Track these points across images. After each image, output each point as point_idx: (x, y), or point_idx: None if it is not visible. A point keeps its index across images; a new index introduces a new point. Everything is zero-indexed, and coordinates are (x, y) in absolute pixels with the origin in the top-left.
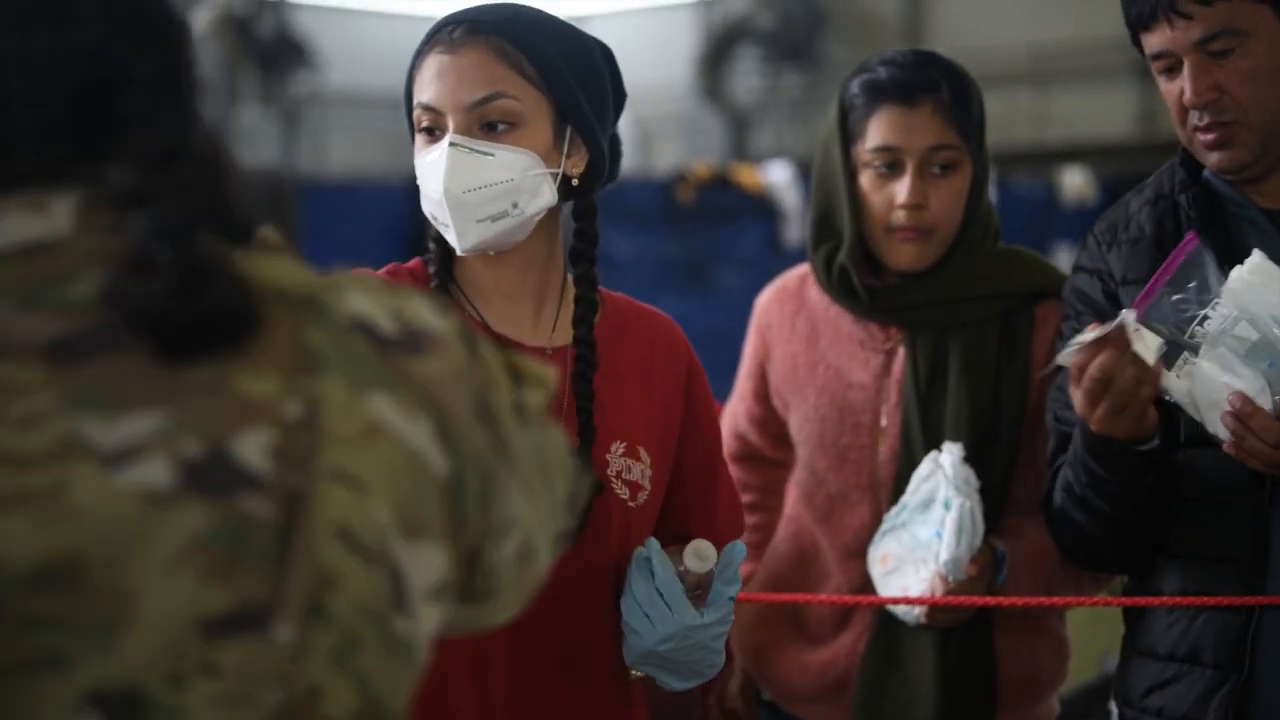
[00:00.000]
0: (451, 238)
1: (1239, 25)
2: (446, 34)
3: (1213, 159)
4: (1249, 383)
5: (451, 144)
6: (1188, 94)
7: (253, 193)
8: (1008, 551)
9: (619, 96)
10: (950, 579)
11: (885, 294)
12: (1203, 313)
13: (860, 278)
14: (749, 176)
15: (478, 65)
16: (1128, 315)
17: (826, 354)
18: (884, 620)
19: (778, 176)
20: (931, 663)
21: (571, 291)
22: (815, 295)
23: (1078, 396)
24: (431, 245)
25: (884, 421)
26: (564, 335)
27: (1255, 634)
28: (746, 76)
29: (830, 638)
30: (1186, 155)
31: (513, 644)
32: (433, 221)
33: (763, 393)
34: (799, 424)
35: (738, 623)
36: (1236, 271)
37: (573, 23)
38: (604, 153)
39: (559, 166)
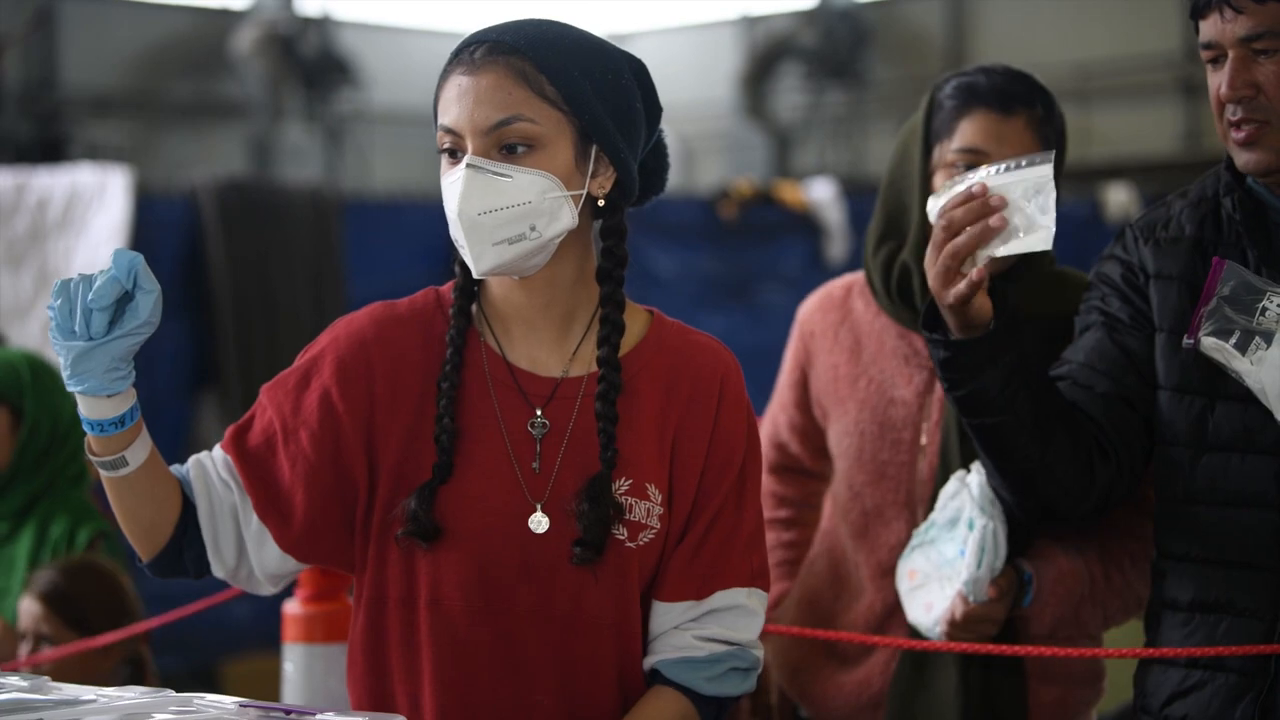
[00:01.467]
0: (469, 260)
1: None
2: (468, 54)
3: (1241, 158)
4: None
5: (468, 165)
6: (1224, 87)
7: (297, 210)
8: (1035, 575)
9: (653, 111)
10: (971, 599)
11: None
12: (1263, 302)
13: (920, 277)
14: (792, 194)
15: (496, 87)
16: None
17: (869, 368)
18: (906, 652)
19: (820, 194)
20: (955, 683)
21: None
22: (861, 307)
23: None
24: (456, 269)
25: (924, 439)
26: (584, 365)
27: None
28: (789, 94)
29: (864, 656)
30: (1232, 160)
31: (512, 685)
32: (456, 244)
33: (804, 402)
34: (838, 436)
35: (774, 643)
36: None
37: (608, 39)
38: (632, 171)
39: (582, 188)
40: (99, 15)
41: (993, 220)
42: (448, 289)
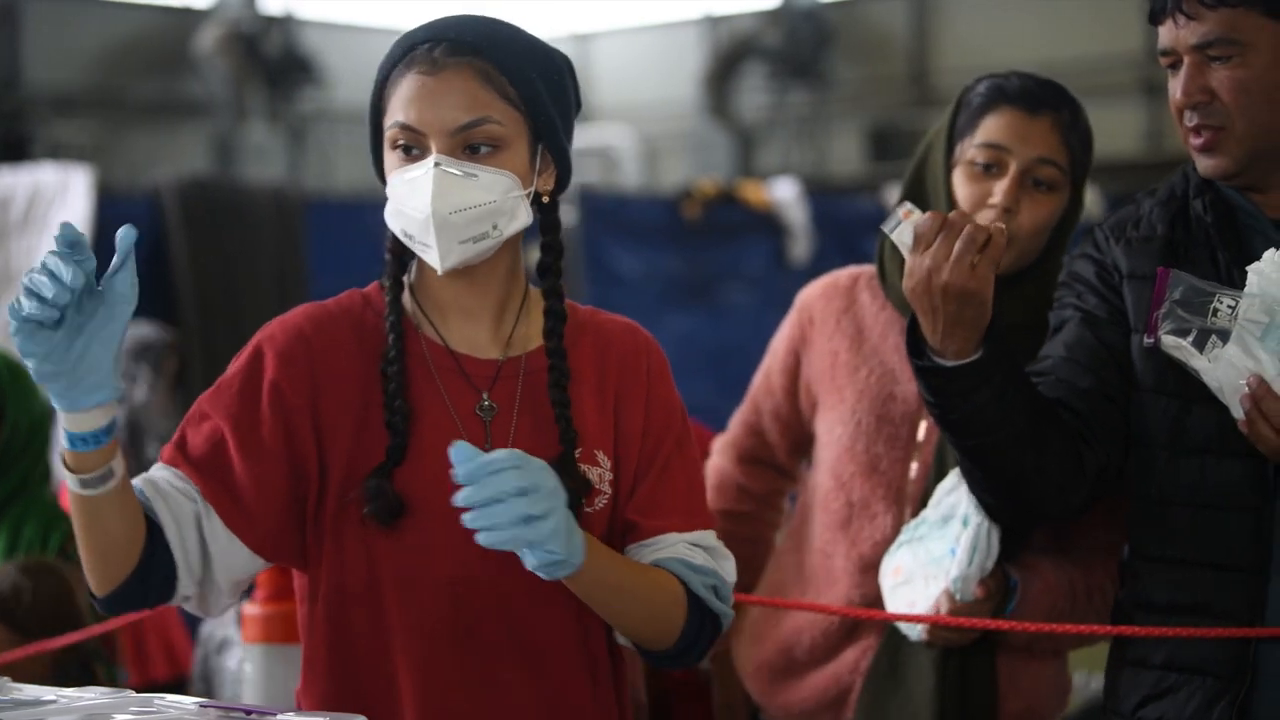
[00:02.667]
0: (431, 258)
1: (1240, 35)
2: (425, 52)
3: (1202, 164)
4: (1266, 366)
5: (437, 165)
6: (1178, 93)
7: (260, 209)
8: (1021, 583)
9: (578, 107)
10: (958, 598)
11: None
12: (1213, 304)
13: None
14: (755, 194)
15: (462, 89)
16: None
17: (870, 359)
18: (890, 637)
19: (784, 193)
20: (931, 685)
21: (532, 303)
22: (867, 299)
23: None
24: (388, 260)
25: (920, 436)
26: (521, 346)
27: (1256, 643)
28: (753, 94)
29: (832, 656)
30: None
31: (481, 665)
32: (405, 240)
33: (793, 388)
34: (829, 424)
35: (736, 641)
36: (1269, 253)
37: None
38: (570, 168)
39: (533, 185)
40: (62, 14)
41: (997, 238)
42: (372, 289)
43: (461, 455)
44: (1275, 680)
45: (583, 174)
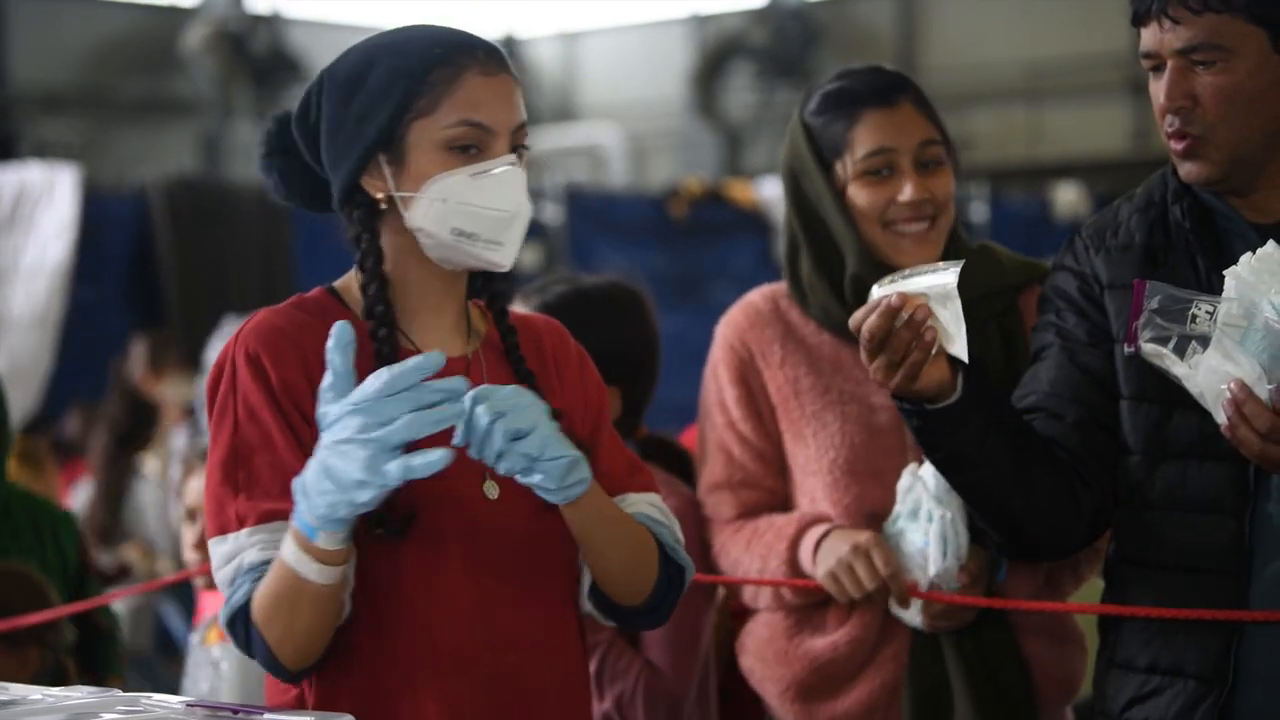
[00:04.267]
0: (496, 255)
1: (1225, 41)
2: (481, 56)
3: (1182, 169)
4: (1247, 370)
5: (513, 164)
6: (1161, 97)
7: (247, 208)
8: None
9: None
10: (944, 590)
11: None
12: (1191, 310)
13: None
14: (742, 192)
15: (514, 92)
16: (883, 291)
17: (834, 377)
18: (918, 639)
19: (771, 192)
20: (964, 680)
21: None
22: (797, 318)
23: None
24: (370, 265)
25: (910, 440)
26: (476, 338)
27: (1239, 645)
28: (740, 92)
29: (871, 659)
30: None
31: (492, 654)
32: (456, 240)
33: (761, 428)
34: (819, 451)
35: (746, 659)
36: (1245, 257)
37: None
38: None
39: None
40: (49, 12)
41: (926, 335)
42: (343, 284)
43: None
44: (1257, 682)
45: (570, 173)
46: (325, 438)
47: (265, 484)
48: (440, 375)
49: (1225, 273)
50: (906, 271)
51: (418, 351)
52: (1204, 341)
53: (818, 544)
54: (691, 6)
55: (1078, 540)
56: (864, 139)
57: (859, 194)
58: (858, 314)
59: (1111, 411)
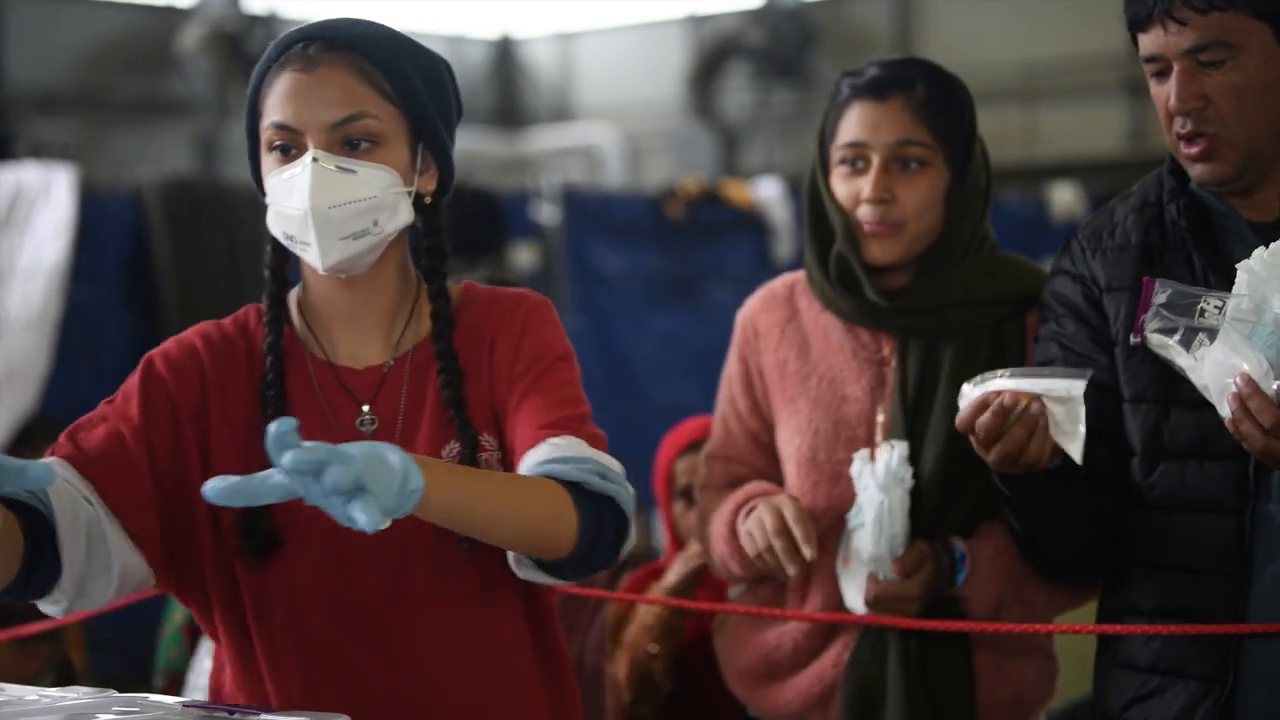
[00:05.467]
0: (312, 257)
1: (1232, 38)
2: (300, 51)
3: (1195, 170)
4: (1254, 365)
5: (315, 160)
6: (1172, 99)
7: (243, 209)
8: (969, 552)
9: (459, 112)
10: (880, 577)
11: (875, 303)
12: (1200, 305)
13: (858, 260)
14: (739, 193)
15: (338, 84)
16: (1000, 383)
17: (819, 365)
18: (863, 637)
19: (767, 192)
20: (901, 686)
21: (424, 302)
22: (805, 304)
23: (973, 441)
24: (268, 274)
25: (879, 436)
26: (410, 340)
27: (1239, 645)
28: (737, 93)
29: (815, 655)
30: (1175, 164)
31: (356, 660)
32: (287, 243)
33: (755, 409)
34: (788, 436)
35: (719, 641)
36: (1259, 251)
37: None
38: (452, 169)
39: (414, 185)
40: (45, 12)
41: (1040, 435)
42: (250, 311)
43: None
44: (1258, 682)
45: (567, 173)
46: None
47: (94, 445)
48: (348, 390)
49: (1237, 266)
50: (1019, 370)
51: (326, 362)
52: (1211, 335)
53: (752, 509)
54: (688, 7)
55: (1103, 558)
56: (844, 129)
57: (837, 182)
58: (965, 413)
59: (1121, 420)
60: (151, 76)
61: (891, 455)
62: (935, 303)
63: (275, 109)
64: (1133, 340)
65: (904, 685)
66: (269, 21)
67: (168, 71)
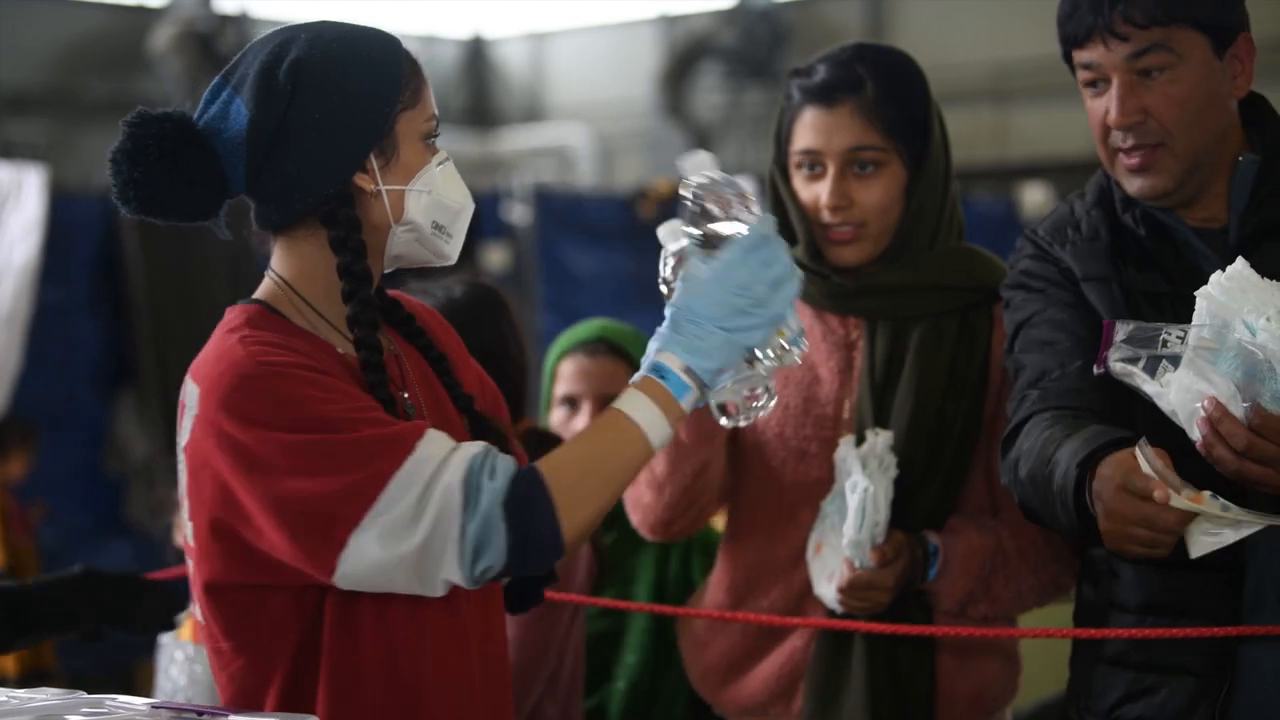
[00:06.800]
0: (450, 248)
1: (1174, 47)
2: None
3: (1133, 185)
4: (1221, 389)
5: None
6: (1113, 113)
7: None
8: (941, 547)
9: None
10: (856, 564)
11: (841, 284)
12: (1161, 336)
13: (817, 267)
14: None
15: None
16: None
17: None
18: (826, 637)
19: None
20: (864, 679)
21: None
22: None
23: (1126, 518)
24: (361, 268)
25: (845, 414)
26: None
27: (1238, 642)
28: (709, 93)
29: (776, 645)
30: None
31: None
32: (431, 231)
33: None
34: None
35: (684, 643)
36: (1216, 276)
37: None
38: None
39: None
40: (15, 12)
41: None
42: (270, 295)
43: None
44: (1256, 680)
45: (538, 173)
46: (700, 296)
47: (373, 409)
48: (392, 379)
49: (1197, 294)
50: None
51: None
52: (1175, 361)
53: None
54: (660, 7)
55: None
56: (799, 135)
57: (798, 186)
58: (1170, 513)
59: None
60: (122, 77)
61: (878, 442)
62: (901, 284)
63: (429, 100)
64: (1096, 370)
65: (867, 678)
66: (240, 21)
67: (139, 71)
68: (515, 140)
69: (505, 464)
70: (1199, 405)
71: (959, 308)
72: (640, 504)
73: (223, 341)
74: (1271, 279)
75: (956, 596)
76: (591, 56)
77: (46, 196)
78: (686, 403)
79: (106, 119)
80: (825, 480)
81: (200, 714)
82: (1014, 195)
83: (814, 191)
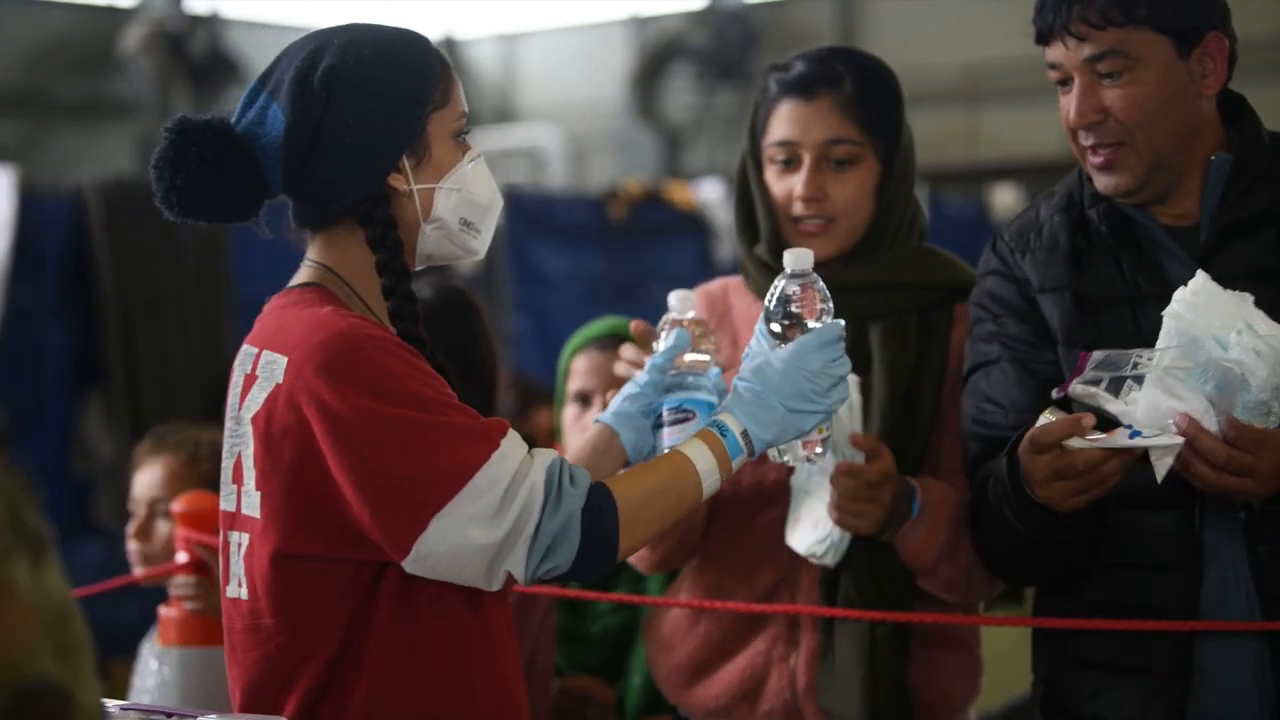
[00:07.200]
0: (478, 243)
1: (1130, 51)
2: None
3: (1101, 182)
4: (1193, 406)
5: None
6: (1072, 113)
7: None
8: (918, 487)
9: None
10: (850, 459)
11: None
12: (1131, 359)
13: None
14: (681, 194)
15: None
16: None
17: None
18: (827, 622)
19: (710, 194)
20: (858, 676)
21: None
22: (737, 301)
23: (1047, 474)
24: (401, 265)
25: None
26: None
27: (1193, 641)
28: (680, 94)
29: (741, 646)
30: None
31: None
32: (460, 228)
33: None
34: None
35: (649, 646)
36: (1179, 293)
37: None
38: None
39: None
40: None
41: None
42: (322, 279)
43: None
44: (1213, 678)
45: (509, 174)
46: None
47: (455, 398)
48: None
49: (1164, 314)
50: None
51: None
52: (1139, 380)
53: None
54: (631, 8)
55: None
56: (775, 127)
57: (771, 179)
58: (1092, 451)
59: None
60: (92, 77)
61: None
62: (866, 283)
63: (459, 99)
64: (1055, 395)
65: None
66: (210, 22)
67: (109, 72)
68: (486, 141)
69: (582, 473)
70: (1169, 423)
71: (919, 306)
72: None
73: (313, 315)
74: (1242, 276)
75: (938, 544)
76: (562, 57)
77: (16, 197)
78: (736, 463)
79: (77, 119)
80: (782, 483)
81: (169, 715)
82: (985, 196)
83: (787, 185)
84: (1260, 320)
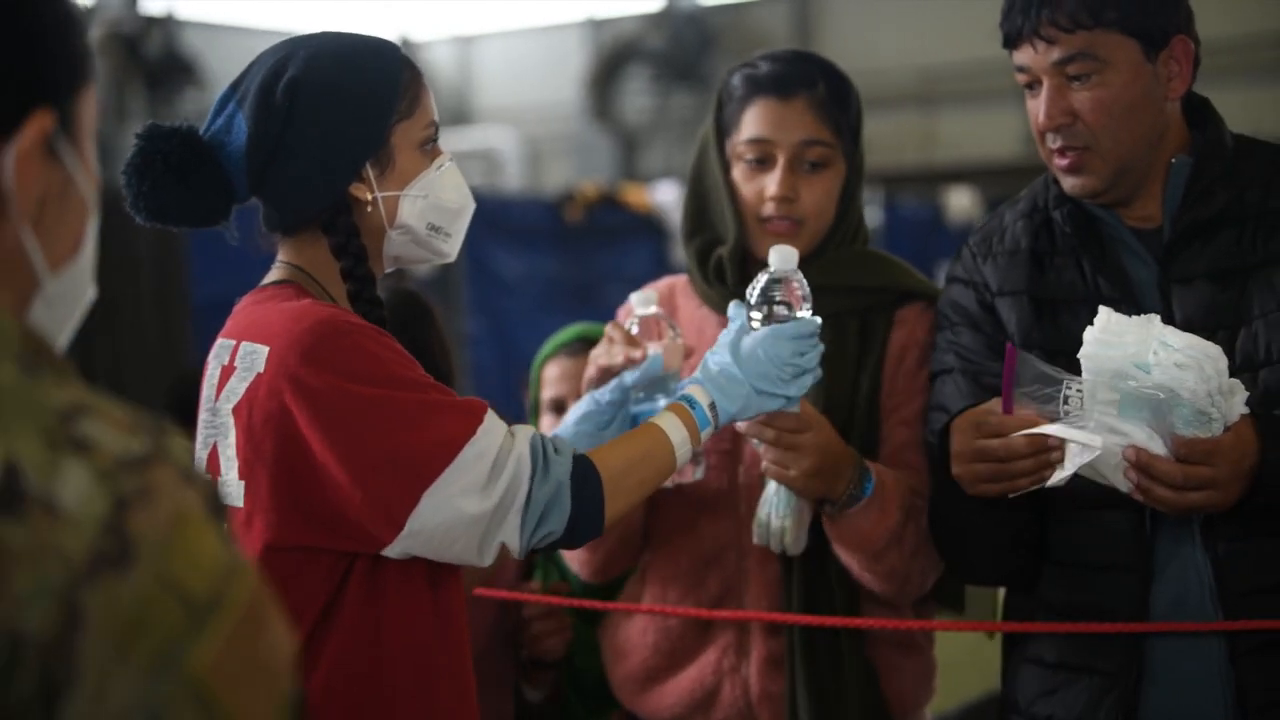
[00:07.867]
0: (448, 246)
1: (1099, 54)
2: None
3: (1068, 183)
4: (1137, 435)
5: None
6: (1040, 116)
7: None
8: (871, 467)
9: None
10: (789, 408)
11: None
12: (1063, 392)
13: (735, 273)
14: (637, 196)
15: None
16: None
17: (694, 358)
18: (774, 632)
19: (666, 196)
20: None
21: None
22: (683, 302)
23: (971, 453)
24: (364, 272)
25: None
26: None
27: (1143, 641)
28: (636, 96)
29: (691, 658)
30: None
31: None
32: (427, 233)
33: None
34: None
35: (610, 652)
36: (1088, 334)
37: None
38: None
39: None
40: None
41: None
42: (292, 277)
43: None
44: (1162, 678)
45: (465, 176)
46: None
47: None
48: None
49: (1080, 356)
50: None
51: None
52: (1079, 419)
53: None
54: (587, 10)
55: (1015, 564)
56: (748, 125)
57: (740, 178)
58: (1016, 438)
59: None
60: None
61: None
62: (822, 285)
63: (428, 109)
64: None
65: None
66: (165, 23)
67: None
68: (442, 143)
69: (564, 444)
70: (1120, 458)
71: (861, 309)
72: (578, 558)
73: (293, 306)
74: (1203, 277)
75: (888, 526)
76: (519, 60)
77: None
78: (705, 435)
79: None
80: (725, 491)
81: None
82: (940, 199)
83: (757, 184)
84: (1172, 335)
